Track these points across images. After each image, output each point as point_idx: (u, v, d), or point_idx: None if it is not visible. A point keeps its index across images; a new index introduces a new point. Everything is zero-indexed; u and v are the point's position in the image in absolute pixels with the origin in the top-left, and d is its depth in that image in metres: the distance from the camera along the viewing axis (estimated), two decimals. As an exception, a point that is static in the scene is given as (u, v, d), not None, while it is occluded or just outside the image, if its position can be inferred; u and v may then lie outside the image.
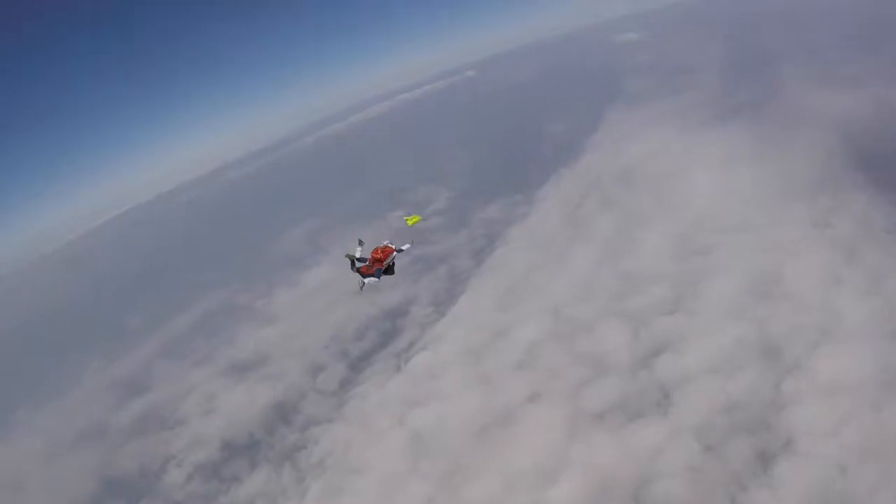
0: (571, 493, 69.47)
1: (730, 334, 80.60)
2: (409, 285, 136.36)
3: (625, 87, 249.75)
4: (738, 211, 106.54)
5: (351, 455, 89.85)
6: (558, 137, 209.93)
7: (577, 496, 68.97)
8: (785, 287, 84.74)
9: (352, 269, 34.50)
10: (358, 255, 34.58)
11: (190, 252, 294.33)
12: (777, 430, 66.65)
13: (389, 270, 34.45)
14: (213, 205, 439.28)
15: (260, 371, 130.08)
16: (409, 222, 37.69)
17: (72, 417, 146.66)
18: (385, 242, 35.04)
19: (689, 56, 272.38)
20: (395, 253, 34.31)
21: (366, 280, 34.32)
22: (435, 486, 77.30)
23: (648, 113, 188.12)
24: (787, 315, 79.70)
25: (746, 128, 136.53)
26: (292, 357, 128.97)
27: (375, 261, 34.15)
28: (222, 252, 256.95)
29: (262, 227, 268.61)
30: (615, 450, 72.67)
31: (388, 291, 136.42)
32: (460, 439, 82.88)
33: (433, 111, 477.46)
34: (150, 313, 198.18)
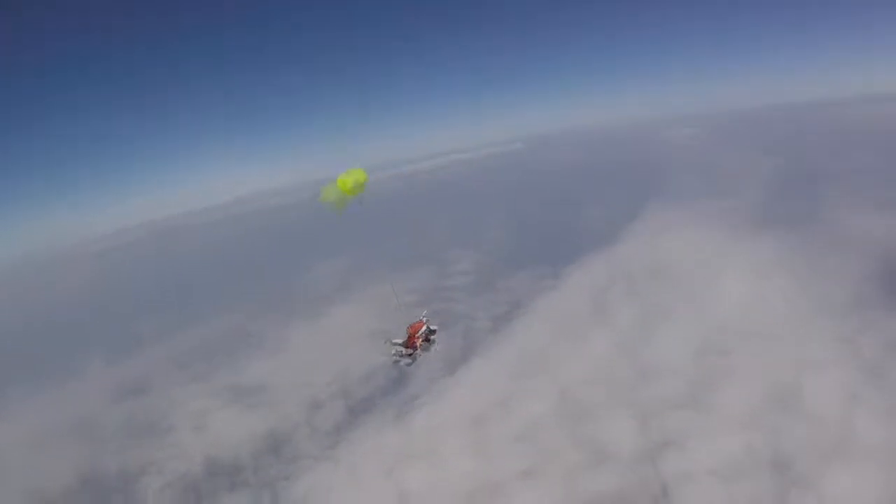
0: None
1: (740, 440, 78.61)
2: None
3: (669, 183, 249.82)
4: (764, 319, 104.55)
5: (332, 498, 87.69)
6: (595, 222, 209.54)
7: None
8: (802, 400, 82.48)
9: (402, 355, 38.73)
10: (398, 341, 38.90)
11: (218, 270, 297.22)
12: None
13: (429, 340, 39.53)
14: (251, 228, 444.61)
15: (258, 397, 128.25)
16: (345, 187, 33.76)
17: (65, 409, 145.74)
18: (420, 318, 40.48)
19: (739, 162, 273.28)
20: (424, 328, 39.02)
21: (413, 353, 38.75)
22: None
23: (689, 212, 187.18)
24: (801, 428, 77.74)
25: (784, 240, 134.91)
26: (294, 388, 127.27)
27: (412, 338, 38.94)
28: (249, 275, 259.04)
29: (293, 258, 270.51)
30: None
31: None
32: (445, 501, 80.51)
33: (477, 177, 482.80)
34: (165, 323, 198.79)
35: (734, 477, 73.44)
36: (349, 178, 33.07)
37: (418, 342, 38.28)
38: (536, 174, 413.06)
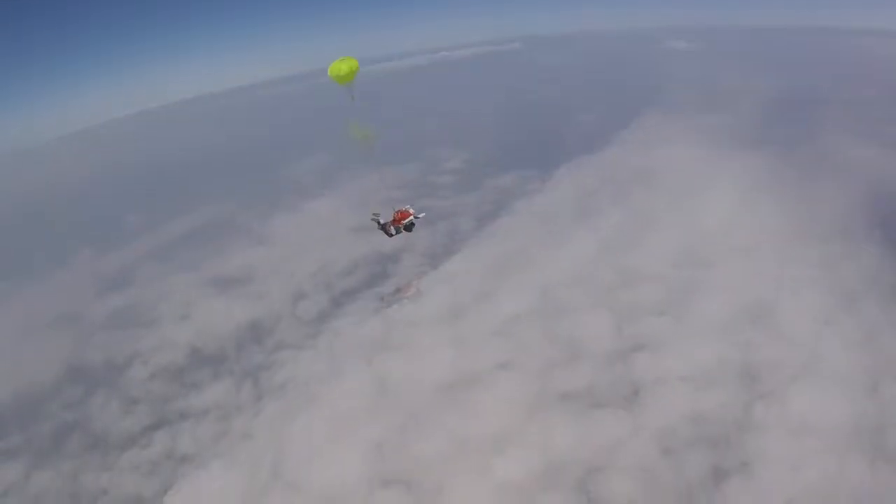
0: (518, 466, 69.02)
1: (712, 349, 79.71)
2: (407, 234, 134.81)
3: (665, 94, 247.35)
4: (747, 236, 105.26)
5: (313, 385, 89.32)
6: (587, 126, 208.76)
7: (523, 470, 68.52)
8: (777, 318, 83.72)
9: (378, 227, 40.42)
10: (381, 219, 40.25)
11: (202, 162, 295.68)
12: (737, 450, 65.99)
13: (408, 228, 39.50)
14: (237, 120, 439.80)
15: (242, 288, 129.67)
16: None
17: (50, 301, 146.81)
18: (406, 207, 40.41)
19: (738, 80, 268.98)
20: (411, 217, 39.04)
21: (392, 231, 40.03)
22: (386, 432, 76.74)
23: (682, 124, 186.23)
24: (773, 345, 78.92)
25: (776, 162, 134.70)
26: (277, 280, 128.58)
27: (395, 221, 39.41)
28: (233, 167, 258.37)
29: (277, 151, 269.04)
30: (572, 433, 72.06)
31: (384, 235, 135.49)
32: (422, 392, 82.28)
33: (470, 75, 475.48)
34: (151, 214, 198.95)
35: (704, 385, 74.74)
36: (342, 64, 32.63)
37: (401, 224, 39.52)
38: (531, 75, 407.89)
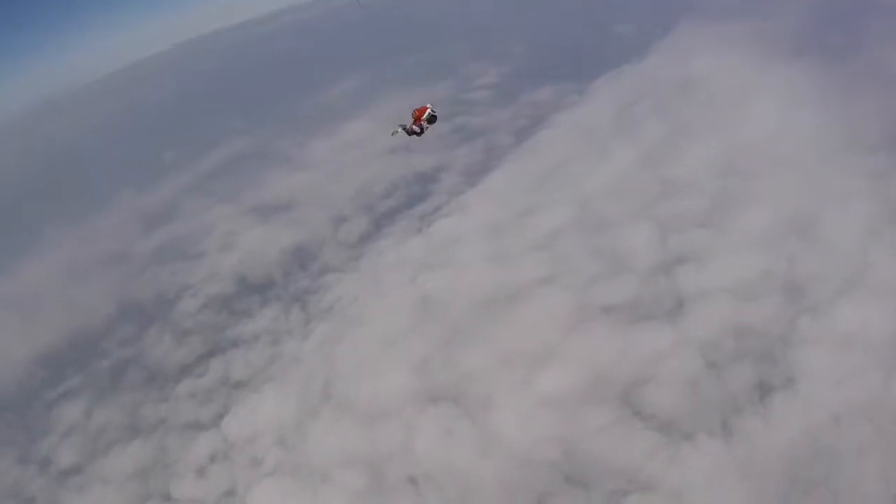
0: (562, 380, 68.91)
1: (756, 261, 77.27)
2: (444, 152, 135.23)
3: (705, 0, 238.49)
4: (792, 146, 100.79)
5: (358, 306, 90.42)
6: (625, 36, 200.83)
7: (567, 383, 68.33)
8: (822, 230, 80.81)
9: (406, 132, 36.50)
10: (405, 126, 36.48)
11: (233, 93, 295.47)
12: (782, 365, 64.26)
13: (431, 121, 35.62)
14: (265, 48, 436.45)
15: (284, 215, 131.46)
16: None
17: (97, 241, 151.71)
18: (426, 104, 36.36)
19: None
20: (429, 110, 35.20)
21: (417, 129, 36.20)
22: (432, 347, 77.53)
23: (725, 31, 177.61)
24: (818, 258, 76.51)
25: (822, 70, 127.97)
26: (318, 205, 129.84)
27: (416, 120, 35.87)
28: (266, 96, 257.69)
29: (309, 76, 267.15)
30: (615, 347, 71.41)
31: (422, 155, 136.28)
32: (466, 307, 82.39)
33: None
34: (186, 149, 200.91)
35: (748, 297, 72.46)
36: None
37: (423, 122, 36.93)
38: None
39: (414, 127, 37.03)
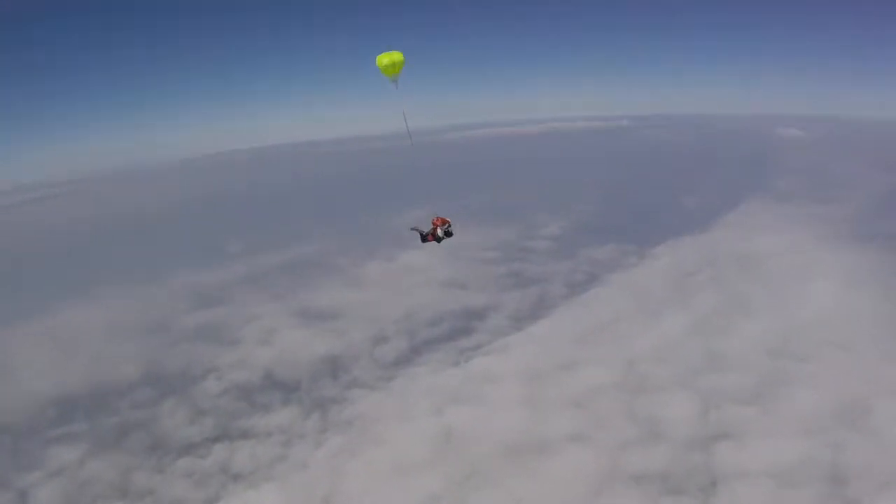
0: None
1: (799, 447, 74.57)
2: (496, 294, 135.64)
3: (772, 180, 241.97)
4: (847, 332, 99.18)
5: (379, 426, 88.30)
6: (690, 206, 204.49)
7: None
8: (872, 420, 77.85)
9: (421, 239, 39.85)
10: (422, 229, 39.81)
11: (312, 201, 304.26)
12: None
13: (448, 234, 38.53)
14: (350, 167, 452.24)
15: (327, 323, 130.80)
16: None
17: (145, 306, 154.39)
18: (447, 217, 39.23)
19: (848, 171, 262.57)
20: (449, 224, 38.21)
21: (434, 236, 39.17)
22: (445, 484, 74.47)
23: (788, 211, 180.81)
24: (865, 448, 73.23)
25: (883, 256, 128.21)
26: (361, 321, 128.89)
27: (435, 227, 38.61)
28: (336, 210, 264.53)
29: (381, 200, 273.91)
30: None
31: (474, 293, 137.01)
32: (488, 450, 79.79)
33: (577, 146, 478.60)
34: (253, 242, 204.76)
35: (788, 483, 69.80)
36: (385, 57, 33.41)
37: (439, 231, 38.16)
38: (638, 152, 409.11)
39: (433, 231, 38.09)
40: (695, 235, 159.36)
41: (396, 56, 33.15)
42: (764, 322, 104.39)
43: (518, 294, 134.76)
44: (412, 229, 39.78)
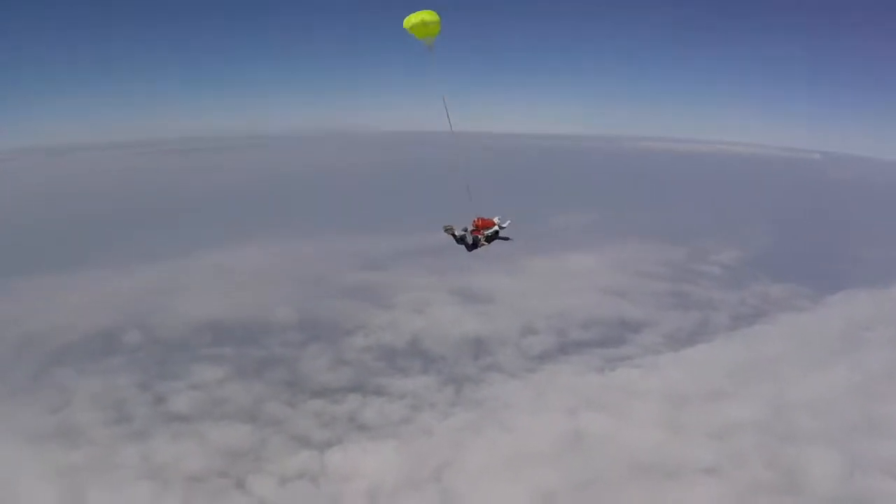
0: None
1: None
2: (655, 310, 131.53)
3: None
4: None
5: (510, 413, 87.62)
6: (877, 257, 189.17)
7: None
8: None
9: (456, 241, 33.51)
10: (456, 231, 33.28)
11: (488, 189, 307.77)
12: None
13: (489, 239, 33.05)
14: (526, 161, 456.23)
15: (479, 305, 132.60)
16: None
17: (313, 261, 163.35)
18: (494, 218, 33.65)
19: None
20: (496, 227, 33.00)
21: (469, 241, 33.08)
22: (564, 485, 72.52)
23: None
24: None
25: None
26: (514, 310, 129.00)
27: (475, 231, 33.04)
28: (512, 203, 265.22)
29: (557, 198, 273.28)
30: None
31: (633, 305, 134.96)
32: (615, 461, 77.19)
33: (765, 175, 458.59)
34: (426, 218, 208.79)
35: None
36: (414, 17, 29.89)
37: (482, 237, 32.84)
38: (827, 189, 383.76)
39: (469, 236, 32.69)
40: (877, 289, 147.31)
41: (427, 15, 30.12)
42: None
43: (678, 315, 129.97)
44: (448, 232, 33.34)
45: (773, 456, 79.31)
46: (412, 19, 29.08)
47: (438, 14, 29.11)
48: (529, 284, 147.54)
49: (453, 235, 32.90)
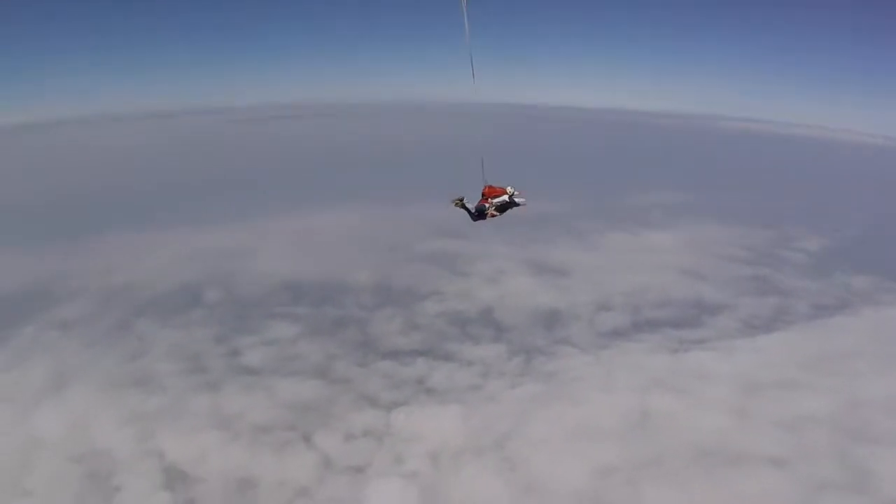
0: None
1: None
2: (734, 294, 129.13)
3: None
4: None
5: (578, 387, 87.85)
6: None
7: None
8: None
9: (467, 212, 30.79)
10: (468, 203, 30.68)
11: (570, 163, 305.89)
12: None
13: (501, 210, 30.19)
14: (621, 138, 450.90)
15: (555, 279, 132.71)
16: None
17: (389, 226, 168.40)
18: (508, 188, 30.55)
19: None
20: (505, 196, 29.95)
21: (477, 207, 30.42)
22: (624, 462, 72.83)
23: None
24: None
25: None
26: (590, 285, 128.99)
27: (483, 199, 30.42)
28: (594, 178, 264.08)
29: (638, 175, 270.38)
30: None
31: (711, 287, 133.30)
32: (680, 444, 76.72)
33: (865, 163, 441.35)
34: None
35: None
36: None
37: (491, 206, 29.96)
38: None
39: (478, 206, 30.42)
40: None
41: None
42: None
43: (757, 301, 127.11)
44: (456, 203, 30.84)
45: (843, 453, 77.58)
46: None
47: None
48: (607, 260, 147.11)
49: (463, 206, 30.67)
